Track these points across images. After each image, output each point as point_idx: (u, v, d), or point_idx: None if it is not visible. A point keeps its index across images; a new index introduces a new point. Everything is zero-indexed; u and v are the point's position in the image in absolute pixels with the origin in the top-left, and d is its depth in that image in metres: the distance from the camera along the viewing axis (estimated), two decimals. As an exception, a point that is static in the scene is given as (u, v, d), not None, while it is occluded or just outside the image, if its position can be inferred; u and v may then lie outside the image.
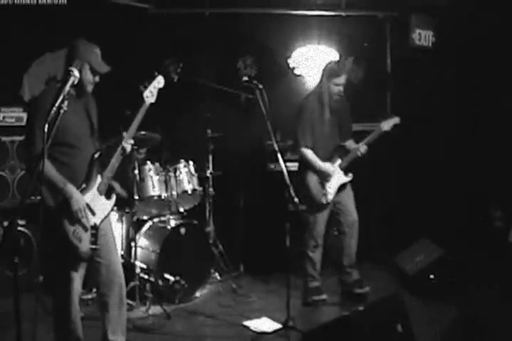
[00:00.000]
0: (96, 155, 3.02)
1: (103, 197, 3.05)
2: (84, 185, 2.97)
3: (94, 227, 2.96)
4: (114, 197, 3.12)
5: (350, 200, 4.37)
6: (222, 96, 5.34)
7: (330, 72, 4.18)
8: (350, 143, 4.36)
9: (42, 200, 2.85)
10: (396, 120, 4.34)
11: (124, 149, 3.08)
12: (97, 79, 3.00)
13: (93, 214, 2.97)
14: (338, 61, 4.39)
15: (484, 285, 4.50)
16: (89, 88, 3.01)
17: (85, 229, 2.93)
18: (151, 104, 3.18)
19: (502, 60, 5.47)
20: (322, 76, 4.24)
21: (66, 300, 2.95)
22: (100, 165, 3.05)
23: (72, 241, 2.87)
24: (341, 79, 4.17)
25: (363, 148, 4.25)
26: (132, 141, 3.13)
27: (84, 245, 2.91)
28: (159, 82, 3.24)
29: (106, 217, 3.07)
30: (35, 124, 2.79)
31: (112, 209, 3.15)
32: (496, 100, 5.55)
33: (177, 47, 5.43)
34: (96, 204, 2.99)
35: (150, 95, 3.18)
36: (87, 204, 2.94)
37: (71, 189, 2.86)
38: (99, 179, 3.03)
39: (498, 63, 5.52)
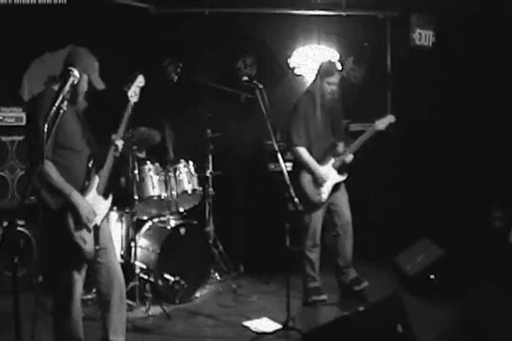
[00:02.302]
0: (92, 157, 3.06)
1: (101, 197, 3.08)
2: (84, 187, 2.99)
3: (96, 227, 2.99)
4: (110, 197, 3.15)
5: (344, 202, 4.37)
6: (222, 96, 5.34)
7: (323, 72, 4.22)
8: (340, 147, 4.36)
9: (42, 202, 2.86)
10: (391, 118, 4.34)
11: (116, 149, 3.13)
12: (84, 88, 3.02)
13: (95, 215, 2.99)
14: (332, 61, 4.40)
15: (484, 285, 4.50)
16: (81, 97, 3.04)
17: (89, 230, 2.95)
18: (135, 103, 3.23)
19: (502, 59, 5.48)
20: (316, 75, 4.28)
21: (68, 301, 2.96)
22: (97, 166, 3.08)
23: (78, 243, 2.89)
24: (334, 79, 4.19)
25: (348, 157, 4.27)
26: (122, 141, 3.19)
27: (89, 246, 2.94)
28: (141, 81, 3.30)
29: (105, 216, 3.10)
30: (38, 125, 2.79)
31: (110, 209, 3.19)
32: (496, 100, 5.56)
33: (177, 47, 5.43)
34: (96, 205, 3.01)
35: (134, 95, 3.24)
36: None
37: (77, 196, 2.89)
38: (97, 179, 3.05)
39: (498, 63, 5.53)
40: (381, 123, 4.29)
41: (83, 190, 2.97)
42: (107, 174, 3.10)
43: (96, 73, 3.04)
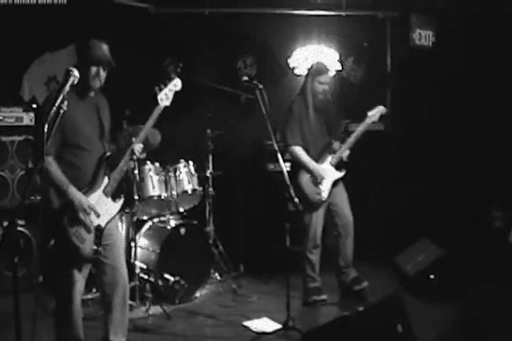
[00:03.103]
0: (104, 157, 3.02)
1: (109, 199, 3.05)
2: (88, 186, 2.97)
3: (99, 229, 2.97)
4: (121, 200, 3.10)
5: (344, 202, 4.37)
6: (222, 96, 5.34)
7: (314, 71, 4.26)
8: (336, 145, 4.36)
9: (45, 201, 2.86)
10: (382, 109, 4.36)
11: (133, 153, 3.07)
12: (103, 74, 2.95)
13: (97, 215, 2.97)
14: (322, 61, 4.41)
15: (484, 285, 4.50)
16: (95, 84, 2.95)
17: (88, 230, 2.93)
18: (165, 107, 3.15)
19: (502, 59, 5.48)
20: (307, 76, 4.32)
21: (68, 300, 2.96)
22: (108, 168, 3.04)
23: (73, 242, 2.88)
24: (325, 78, 4.22)
25: (345, 153, 4.28)
26: (142, 145, 3.11)
27: (87, 246, 2.92)
28: (176, 84, 3.17)
29: (112, 219, 3.07)
30: (39, 125, 2.79)
31: (119, 212, 3.14)
32: (496, 100, 5.56)
33: (177, 47, 5.43)
34: (101, 206, 2.99)
35: (165, 98, 3.12)
36: (91, 206, 2.94)
37: (74, 191, 2.88)
38: (105, 181, 3.03)
39: (498, 63, 5.53)
40: (373, 116, 4.32)
41: (87, 190, 2.96)
42: (119, 176, 3.05)
43: (104, 54, 2.95)
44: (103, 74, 2.97)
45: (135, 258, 4.24)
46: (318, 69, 4.25)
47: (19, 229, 4.49)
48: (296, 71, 5.81)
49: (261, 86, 3.77)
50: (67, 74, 2.65)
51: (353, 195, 4.45)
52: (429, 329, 3.56)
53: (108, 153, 3.05)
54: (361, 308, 2.77)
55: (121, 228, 4.52)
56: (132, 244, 4.33)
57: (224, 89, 5.11)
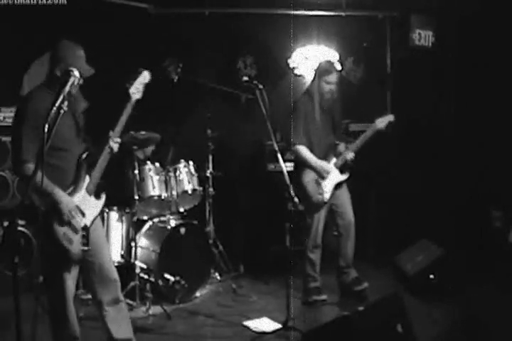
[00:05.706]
0: (83, 156, 3.00)
1: (92, 198, 3.03)
2: (73, 187, 2.95)
3: (85, 228, 2.95)
4: (103, 197, 3.10)
5: (346, 202, 4.37)
6: (222, 96, 5.35)
7: (321, 71, 4.25)
8: (341, 147, 4.37)
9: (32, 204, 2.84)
10: (390, 117, 4.36)
11: (111, 148, 3.04)
12: (80, 81, 2.92)
13: (83, 215, 2.95)
14: (330, 60, 4.41)
15: (484, 285, 4.50)
16: (74, 90, 2.93)
17: (75, 230, 2.91)
18: (138, 101, 3.13)
19: (502, 60, 5.48)
20: (314, 75, 4.31)
21: (61, 301, 2.96)
22: (88, 166, 3.02)
23: (62, 243, 2.85)
24: (332, 78, 4.22)
25: (349, 155, 4.28)
26: (119, 140, 3.09)
27: (76, 247, 2.90)
28: (145, 77, 3.18)
29: (96, 217, 3.05)
30: (22, 128, 2.78)
31: (102, 209, 3.14)
32: (496, 100, 5.56)
33: (177, 47, 5.43)
34: (85, 205, 2.97)
35: (136, 91, 3.12)
36: (77, 206, 2.92)
37: (59, 193, 2.85)
38: (87, 179, 3.00)
39: (498, 63, 5.53)
40: (381, 122, 4.31)
41: (71, 190, 2.93)
42: (99, 174, 3.03)
43: (81, 61, 2.96)
44: (81, 81, 2.95)
45: (135, 258, 4.24)
46: (326, 69, 4.23)
47: (19, 229, 4.49)
48: (296, 71, 5.81)
49: (261, 86, 3.76)
50: (67, 74, 2.65)
51: (353, 195, 4.44)
52: (429, 329, 3.57)
53: (87, 152, 3.02)
54: (361, 308, 2.77)
55: (121, 228, 4.53)
56: (132, 244, 4.33)
57: (224, 89, 5.11)
